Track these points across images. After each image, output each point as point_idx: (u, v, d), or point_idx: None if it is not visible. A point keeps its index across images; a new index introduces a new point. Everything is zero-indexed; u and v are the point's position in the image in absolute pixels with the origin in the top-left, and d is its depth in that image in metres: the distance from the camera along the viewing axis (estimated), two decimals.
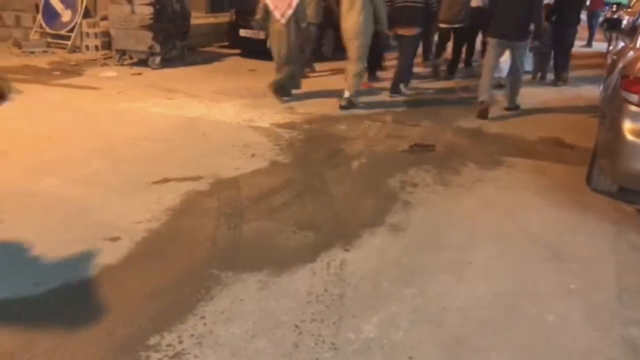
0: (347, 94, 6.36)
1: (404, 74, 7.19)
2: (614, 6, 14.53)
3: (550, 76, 8.63)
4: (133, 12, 8.08)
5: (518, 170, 4.59)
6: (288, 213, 3.60)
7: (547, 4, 7.81)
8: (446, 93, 7.58)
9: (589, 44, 13.19)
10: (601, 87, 5.99)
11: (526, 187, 4.23)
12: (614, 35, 9.46)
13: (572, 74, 8.86)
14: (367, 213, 3.66)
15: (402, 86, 7.19)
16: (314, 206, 3.72)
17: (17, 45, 9.19)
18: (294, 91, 6.78)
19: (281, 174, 4.28)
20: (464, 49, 8.94)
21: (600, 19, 13.89)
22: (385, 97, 7.05)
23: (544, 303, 2.74)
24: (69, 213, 3.46)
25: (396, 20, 6.57)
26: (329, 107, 6.36)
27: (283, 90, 6.57)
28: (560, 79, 8.38)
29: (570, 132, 5.74)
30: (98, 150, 4.61)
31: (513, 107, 6.58)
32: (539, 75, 8.70)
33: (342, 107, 6.32)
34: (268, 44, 6.59)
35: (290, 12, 6.26)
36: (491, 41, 6.31)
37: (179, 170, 4.22)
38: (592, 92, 7.52)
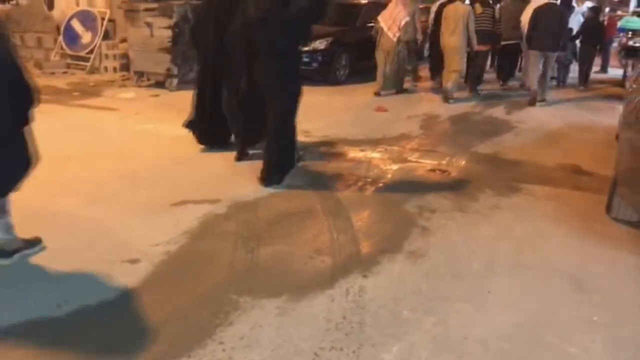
0: (449, 94, 8.40)
1: (479, 79, 9.28)
2: (630, 33, 14.43)
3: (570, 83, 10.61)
4: (152, 35, 8.23)
5: (535, 198, 4.56)
6: (305, 237, 3.60)
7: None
8: (460, 119, 7.58)
9: (603, 70, 13.16)
10: (620, 114, 5.95)
11: (544, 215, 4.20)
12: (630, 62, 9.87)
13: (589, 99, 9.23)
14: (385, 239, 3.65)
15: (478, 88, 9.18)
16: (331, 230, 3.72)
17: (38, 66, 9.39)
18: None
19: (298, 197, 4.29)
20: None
21: (614, 44, 13.86)
22: (400, 121, 7.07)
23: (567, 335, 2.70)
24: (89, 234, 3.49)
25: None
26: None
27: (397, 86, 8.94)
28: (582, 85, 10.50)
29: (588, 158, 5.71)
30: (117, 170, 4.66)
31: (542, 100, 8.49)
32: (561, 83, 10.58)
33: (446, 101, 8.36)
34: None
35: (399, 33, 8.48)
36: (532, 53, 8.46)
37: (197, 193, 4.24)
38: (610, 118, 7.48)
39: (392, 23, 8.47)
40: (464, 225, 3.94)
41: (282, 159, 4.58)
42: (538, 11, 8.21)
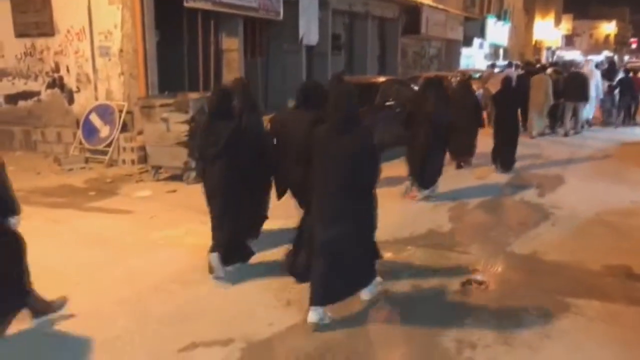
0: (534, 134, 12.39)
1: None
2: None
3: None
4: (168, 129, 8.12)
5: (587, 319, 4.04)
6: None
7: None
8: (491, 202, 7.16)
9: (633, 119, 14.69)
10: None
11: (601, 345, 3.69)
12: None
13: (626, 169, 9.05)
14: None
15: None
16: None
17: (57, 161, 9.35)
18: None
19: (320, 332, 3.86)
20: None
21: None
22: (424, 207, 6.67)
23: None
24: None
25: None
26: None
27: None
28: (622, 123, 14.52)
29: (638, 255, 5.20)
30: (125, 301, 4.32)
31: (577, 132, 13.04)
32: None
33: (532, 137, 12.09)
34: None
35: None
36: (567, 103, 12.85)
37: (209, 330, 3.87)
38: None
39: None
40: None
41: None
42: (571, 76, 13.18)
